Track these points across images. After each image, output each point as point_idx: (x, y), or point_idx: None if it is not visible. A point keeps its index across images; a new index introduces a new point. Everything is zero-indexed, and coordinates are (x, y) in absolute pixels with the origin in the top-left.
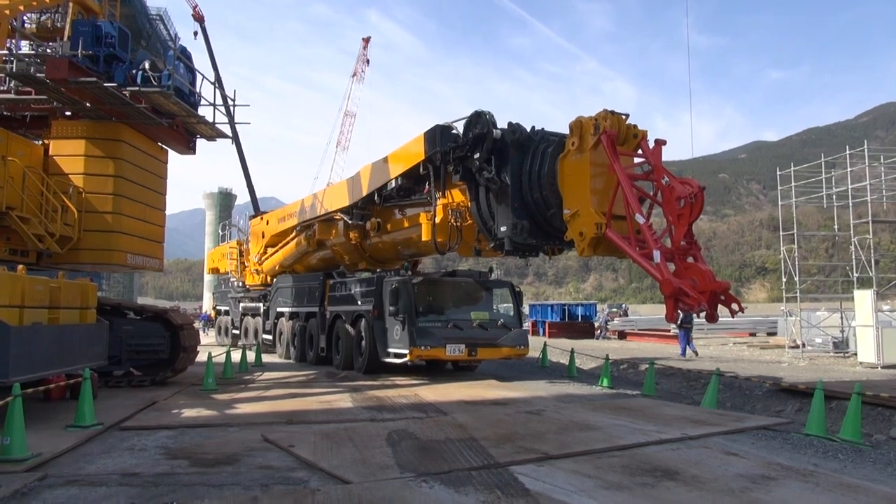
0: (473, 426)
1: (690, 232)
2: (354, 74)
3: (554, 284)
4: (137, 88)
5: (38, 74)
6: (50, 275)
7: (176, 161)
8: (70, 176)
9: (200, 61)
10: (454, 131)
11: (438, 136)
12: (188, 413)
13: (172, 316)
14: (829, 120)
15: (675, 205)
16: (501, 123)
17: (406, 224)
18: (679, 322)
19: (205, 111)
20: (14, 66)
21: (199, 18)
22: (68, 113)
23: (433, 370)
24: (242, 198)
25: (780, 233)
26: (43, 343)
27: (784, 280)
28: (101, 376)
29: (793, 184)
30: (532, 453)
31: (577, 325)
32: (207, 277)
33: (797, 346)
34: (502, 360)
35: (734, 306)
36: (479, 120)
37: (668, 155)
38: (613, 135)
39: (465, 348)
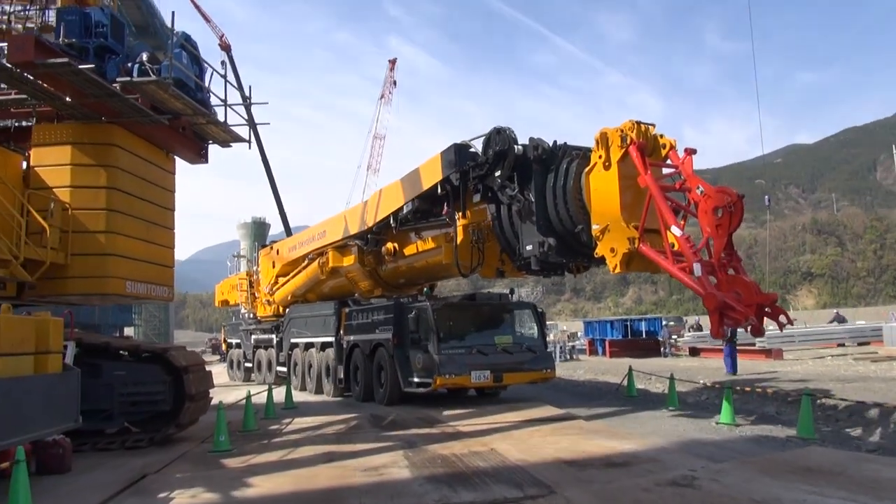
0: None
1: (730, 243)
2: (382, 97)
3: (592, 300)
4: (129, 79)
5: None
6: (57, 310)
7: (211, 193)
8: (55, 190)
9: (230, 90)
10: (472, 149)
11: (456, 156)
12: (180, 500)
13: (174, 356)
14: (866, 119)
15: (713, 215)
16: (528, 139)
17: (424, 247)
18: (728, 336)
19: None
20: None
21: (225, 47)
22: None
23: (462, 397)
24: (276, 227)
25: None
26: None
27: None
28: (85, 437)
29: None
30: None
31: (640, 342)
32: None
33: None
34: (529, 383)
35: (782, 318)
36: (499, 137)
37: (699, 163)
38: (642, 145)
39: (491, 374)
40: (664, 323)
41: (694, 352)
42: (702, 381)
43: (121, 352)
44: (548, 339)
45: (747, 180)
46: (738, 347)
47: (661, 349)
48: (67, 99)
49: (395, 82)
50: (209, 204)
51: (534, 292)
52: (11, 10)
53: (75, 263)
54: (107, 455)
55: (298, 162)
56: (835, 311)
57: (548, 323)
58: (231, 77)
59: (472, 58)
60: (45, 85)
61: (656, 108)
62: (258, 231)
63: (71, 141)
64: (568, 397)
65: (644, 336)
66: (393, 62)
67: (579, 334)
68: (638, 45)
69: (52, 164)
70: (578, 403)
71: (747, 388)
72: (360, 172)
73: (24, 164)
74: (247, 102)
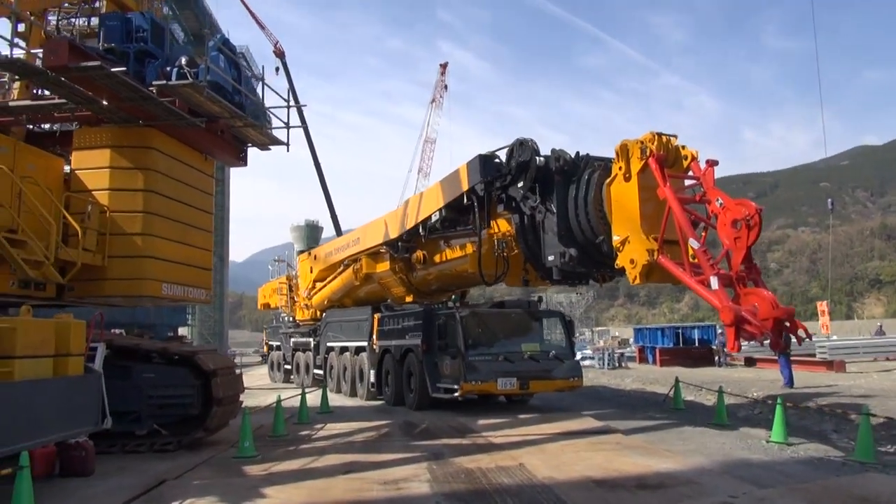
0: None
1: (749, 256)
2: (433, 101)
3: (647, 305)
4: (165, 83)
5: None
6: (87, 313)
7: (268, 196)
8: (94, 192)
9: (279, 98)
10: (496, 160)
11: (481, 166)
12: None
13: (203, 360)
14: None
15: (732, 228)
16: (551, 150)
17: (451, 256)
18: (782, 346)
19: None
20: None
21: (279, 54)
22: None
23: (499, 404)
24: (329, 231)
25: None
26: None
27: None
28: (115, 439)
29: None
30: None
31: (692, 350)
32: None
33: None
34: (556, 391)
35: (801, 333)
36: (522, 148)
37: (758, 167)
38: (661, 157)
39: (517, 382)
40: (719, 331)
41: (750, 362)
42: (754, 394)
43: (151, 354)
44: (597, 345)
45: (811, 183)
46: (797, 358)
47: (715, 358)
48: (104, 103)
49: (446, 86)
50: (267, 207)
51: (585, 297)
52: (58, 18)
53: (113, 265)
54: (135, 458)
55: (353, 167)
56: (879, 323)
57: (598, 328)
58: (271, 81)
59: (525, 62)
60: (81, 89)
61: (714, 109)
62: (311, 234)
63: (109, 144)
64: (611, 407)
65: (696, 344)
66: (444, 66)
67: (631, 341)
68: (694, 46)
69: (92, 167)
70: (621, 415)
71: (803, 404)
72: (411, 176)
73: (67, 168)
74: (287, 105)
